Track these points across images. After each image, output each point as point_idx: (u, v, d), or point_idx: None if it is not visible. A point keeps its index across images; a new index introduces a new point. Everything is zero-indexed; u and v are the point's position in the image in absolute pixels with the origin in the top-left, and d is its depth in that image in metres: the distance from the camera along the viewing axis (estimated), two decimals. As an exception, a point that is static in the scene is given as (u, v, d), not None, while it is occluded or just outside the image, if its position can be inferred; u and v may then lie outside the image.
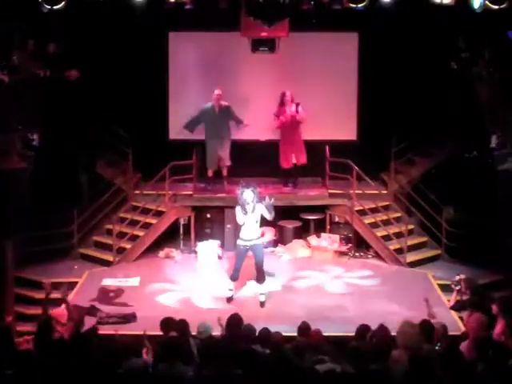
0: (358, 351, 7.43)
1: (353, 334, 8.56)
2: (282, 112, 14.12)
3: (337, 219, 14.03)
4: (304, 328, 8.52)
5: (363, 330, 8.29)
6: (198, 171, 14.38)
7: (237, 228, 13.75)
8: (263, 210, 11.45)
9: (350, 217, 13.74)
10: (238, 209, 11.47)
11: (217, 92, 13.87)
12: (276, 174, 14.64)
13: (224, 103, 13.93)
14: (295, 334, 8.61)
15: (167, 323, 8.45)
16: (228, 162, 14.17)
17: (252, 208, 11.35)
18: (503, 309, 8.92)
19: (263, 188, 14.12)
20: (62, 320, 9.12)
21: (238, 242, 11.56)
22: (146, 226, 13.65)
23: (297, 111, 13.97)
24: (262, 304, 11.45)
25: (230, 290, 11.65)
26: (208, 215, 14.08)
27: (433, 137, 14.35)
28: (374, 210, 13.85)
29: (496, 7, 11.25)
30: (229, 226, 13.93)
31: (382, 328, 8.16)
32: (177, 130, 14.85)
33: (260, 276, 11.50)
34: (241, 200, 11.42)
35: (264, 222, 13.06)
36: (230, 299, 11.61)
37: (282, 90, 14.15)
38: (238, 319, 8.56)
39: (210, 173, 14.28)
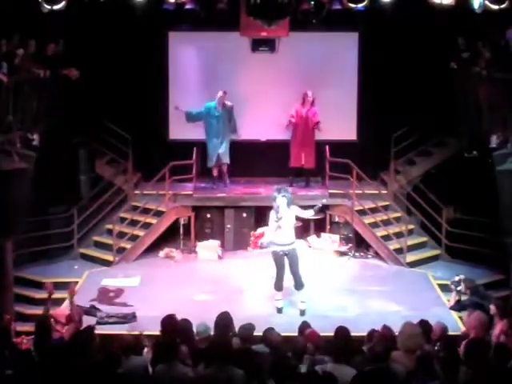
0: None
1: (353, 333, 8.54)
2: (297, 112, 14.13)
3: (337, 219, 14.03)
4: (304, 328, 8.53)
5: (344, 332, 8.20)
6: (198, 171, 14.40)
7: (236, 228, 13.88)
8: (298, 212, 11.16)
9: (350, 217, 13.74)
10: (272, 214, 11.06)
11: (221, 94, 13.90)
12: (276, 174, 14.63)
13: (228, 103, 13.97)
14: (295, 333, 8.62)
15: (169, 322, 8.43)
16: (227, 160, 14.19)
17: (286, 213, 10.96)
18: (501, 310, 8.94)
19: (263, 188, 14.18)
20: (62, 320, 9.13)
21: (274, 248, 11.09)
22: (146, 225, 13.65)
23: (317, 123, 14.03)
24: (303, 312, 11.05)
25: (278, 299, 11.23)
26: (208, 215, 14.08)
27: (433, 137, 14.37)
28: (374, 210, 13.85)
29: (496, 7, 11.26)
30: (229, 225, 13.94)
31: (385, 328, 8.17)
32: (177, 130, 14.88)
33: (297, 283, 11.13)
34: (274, 206, 11.04)
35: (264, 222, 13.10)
36: (280, 310, 11.22)
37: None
38: (227, 318, 8.54)
39: (214, 172, 14.31)
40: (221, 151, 14.10)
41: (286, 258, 11.04)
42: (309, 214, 11.40)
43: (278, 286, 11.17)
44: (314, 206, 11.27)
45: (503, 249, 11.95)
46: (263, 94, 14.61)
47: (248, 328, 8.34)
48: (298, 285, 11.14)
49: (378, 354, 7.21)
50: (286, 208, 10.96)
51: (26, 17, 12.23)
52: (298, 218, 11.39)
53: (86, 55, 13.73)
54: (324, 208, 14.07)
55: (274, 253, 11.09)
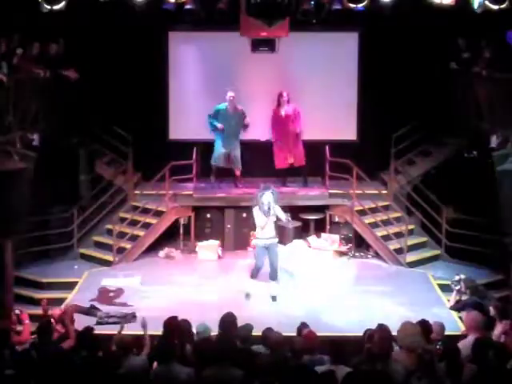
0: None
1: (352, 333, 8.57)
2: (275, 114, 14.14)
3: (337, 219, 14.03)
4: (303, 328, 8.52)
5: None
6: (198, 171, 14.41)
7: (236, 228, 13.88)
8: (279, 212, 11.59)
9: (350, 217, 13.74)
10: (256, 210, 11.53)
11: (230, 94, 13.90)
12: (276, 174, 14.64)
13: (239, 107, 13.97)
14: (295, 334, 8.62)
15: (171, 324, 8.42)
16: (239, 165, 14.24)
17: (270, 210, 11.42)
18: (500, 310, 8.93)
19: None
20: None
21: (256, 241, 11.66)
22: (146, 225, 13.65)
23: (298, 124, 14.05)
24: (274, 298, 11.62)
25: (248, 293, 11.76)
26: (208, 215, 14.08)
27: (433, 137, 14.36)
28: (374, 210, 13.85)
29: (496, 7, 11.26)
30: (229, 226, 13.94)
31: (382, 329, 8.15)
32: (177, 130, 14.88)
33: (273, 273, 11.67)
34: (259, 202, 11.47)
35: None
36: (248, 296, 11.74)
37: (280, 90, 14.17)
38: (231, 318, 8.55)
39: (213, 168, 14.30)
40: (232, 153, 14.09)
41: (266, 251, 11.58)
42: (283, 217, 11.77)
43: (254, 274, 11.77)
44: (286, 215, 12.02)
45: (503, 249, 11.94)
46: (263, 93, 14.60)
47: (246, 328, 8.34)
48: (273, 276, 11.70)
49: (378, 354, 7.21)
50: (270, 206, 11.43)
51: (26, 17, 12.23)
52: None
53: (85, 55, 13.74)
54: (324, 208, 14.14)
55: (256, 246, 11.70)
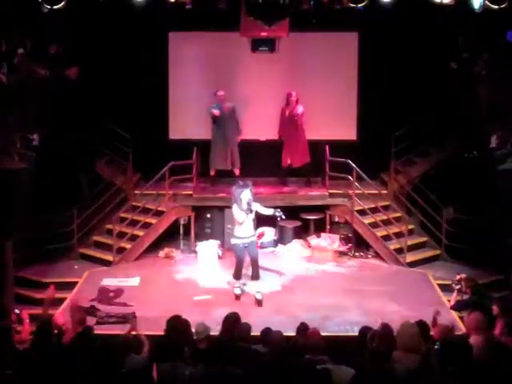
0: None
1: (353, 333, 8.56)
2: (282, 113, 14.17)
3: (337, 219, 14.04)
4: (303, 328, 8.52)
5: (365, 332, 8.24)
6: (198, 171, 14.41)
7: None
8: (259, 208, 11.54)
9: (350, 217, 13.74)
10: (235, 208, 11.41)
11: (220, 93, 13.91)
12: (276, 174, 14.65)
13: (229, 104, 13.97)
14: (295, 333, 8.62)
15: (175, 322, 8.42)
16: (238, 165, 14.24)
17: (250, 207, 11.35)
18: (502, 309, 8.92)
19: (263, 188, 14.19)
20: (60, 321, 9.16)
21: (235, 240, 11.53)
22: (146, 225, 13.65)
23: (296, 114, 14.00)
24: (259, 302, 11.44)
25: (237, 286, 11.71)
26: (208, 215, 14.09)
27: (433, 137, 14.37)
28: (374, 210, 13.85)
29: (496, 7, 11.26)
30: (229, 226, 13.90)
31: (385, 327, 8.15)
32: (177, 130, 14.89)
33: (255, 274, 11.59)
34: (238, 199, 11.38)
35: (264, 222, 13.14)
36: (238, 297, 11.66)
37: (287, 90, 14.19)
38: (235, 317, 8.57)
39: (212, 172, 14.30)
40: (229, 153, 14.11)
41: (246, 250, 11.49)
42: (268, 212, 11.66)
43: (237, 275, 11.64)
44: (275, 209, 11.69)
45: (503, 249, 11.95)
46: (263, 94, 14.61)
47: (243, 327, 8.34)
48: (255, 276, 11.60)
49: (381, 353, 7.21)
50: (250, 202, 11.30)
51: (26, 17, 12.23)
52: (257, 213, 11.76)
53: (86, 55, 13.75)
54: (324, 208, 14.14)
55: (236, 245, 11.55)
